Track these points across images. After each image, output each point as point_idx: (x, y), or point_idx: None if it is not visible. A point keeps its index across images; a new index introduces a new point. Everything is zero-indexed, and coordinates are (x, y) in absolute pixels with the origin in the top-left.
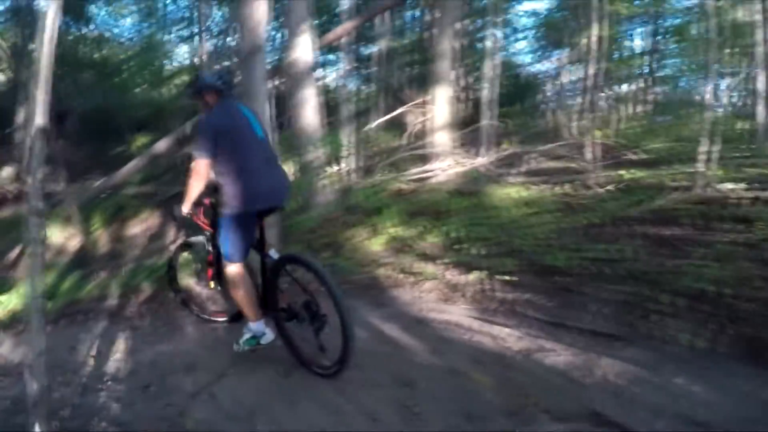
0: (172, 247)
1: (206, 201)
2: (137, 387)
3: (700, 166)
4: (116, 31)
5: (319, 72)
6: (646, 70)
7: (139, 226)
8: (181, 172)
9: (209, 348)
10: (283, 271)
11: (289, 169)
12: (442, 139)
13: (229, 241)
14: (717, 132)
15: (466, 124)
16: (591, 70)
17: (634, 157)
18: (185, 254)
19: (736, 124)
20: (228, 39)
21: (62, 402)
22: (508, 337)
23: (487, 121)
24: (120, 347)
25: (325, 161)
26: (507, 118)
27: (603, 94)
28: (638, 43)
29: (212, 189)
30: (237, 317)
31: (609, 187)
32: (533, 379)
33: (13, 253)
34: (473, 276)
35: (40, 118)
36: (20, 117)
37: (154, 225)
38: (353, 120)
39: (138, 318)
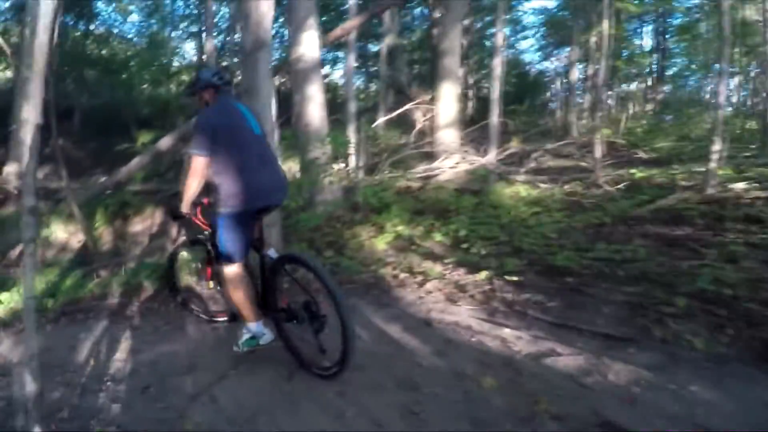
0: (171, 248)
1: (204, 200)
2: (137, 388)
3: (713, 165)
4: (122, 28)
5: (325, 69)
6: (653, 69)
7: (141, 224)
8: (184, 169)
9: (210, 349)
10: (282, 271)
11: (293, 166)
12: (448, 137)
13: (226, 241)
14: (727, 131)
15: (472, 122)
16: (597, 68)
17: (641, 155)
18: (184, 254)
19: (744, 123)
20: (234, 36)
21: (61, 403)
22: (515, 339)
23: (494, 118)
24: (120, 347)
25: (329, 158)
26: (513, 115)
27: (609, 93)
28: (645, 42)
29: (210, 188)
30: (237, 317)
31: (618, 186)
32: (542, 384)
33: (16, 251)
34: (480, 276)
35: (34, 114)
36: (23, 114)
37: (156, 222)
38: (359, 117)
39: (139, 317)
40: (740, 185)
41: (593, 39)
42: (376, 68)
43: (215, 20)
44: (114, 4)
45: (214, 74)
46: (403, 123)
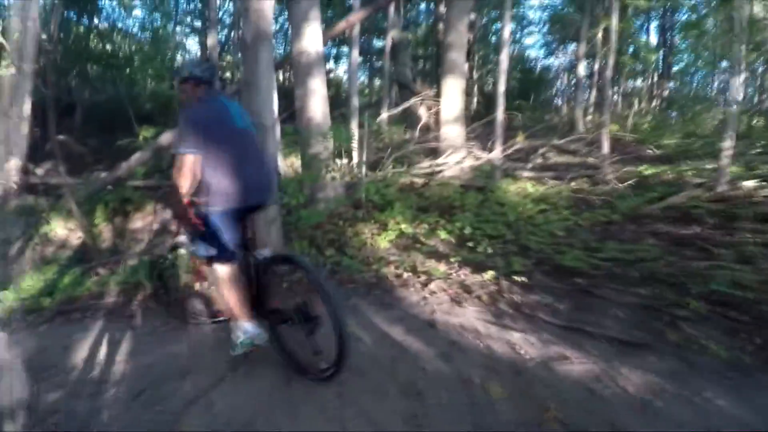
0: (163, 248)
1: (191, 200)
2: (131, 392)
3: (724, 162)
4: (125, 23)
5: (329, 65)
6: (659, 65)
7: (142, 221)
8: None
9: (208, 351)
10: (273, 271)
11: (295, 161)
12: (453, 132)
13: (212, 241)
14: (736, 128)
15: (477, 118)
16: (604, 64)
17: (649, 152)
18: (177, 254)
19: (751, 120)
20: (238, 31)
21: (53, 407)
22: (523, 343)
23: (500, 113)
24: (115, 348)
25: (332, 154)
26: (518, 111)
27: (615, 89)
28: (651, 38)
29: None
30: (230, 317)
31: (626, 183)
32: (551, 391)
33: (15, 247)
34: (486, 276)
35: (24, 105)
36: (26, 108)
37: (157, 219)
38: (362, 112)
39: (136, 317)
40: (751, 183)
41: (599, 34)
42: (380, 63)
43: (219, 15)
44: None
45: (199, 67)
46: (408, 118)
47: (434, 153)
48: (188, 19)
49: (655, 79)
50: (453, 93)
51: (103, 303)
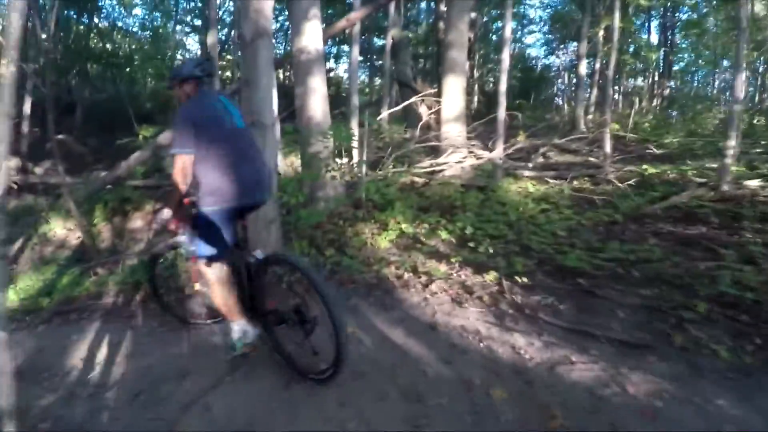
0: (160, 248)
1: (186, 200)
2: (127, 395)
3: (727, 161)
4: (125, 21)
5: (330, 63)
6: (659, 64)
7: (141, 220)
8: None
9: (205, 353)
10: (268, 272)
11: (295, 161)
12: (454, 131)
13: (206, 240)
14: (739, 127)
15: (477, 117)
16: (605, 63)
17: (650, 151)
18: (176, 254)
19: (752, 119)
20: (239, 29)
21: (46, 412)
22: (527, 346)
23: (501, 112)
24: (112, 350)
25: (332, 153)
26: (519, 110)
27: (616, 88)
28: (651, 37)
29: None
30: (222, 318)
31: (628, 182)
32: (555, 396)
33: (15, 247)
34: (487, 276)
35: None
36: (26, 108)
37: (157, 219)
38: (363, 111)
39: (134, 318)
40: (755, 182)
41: (600, 33)
42: (380, 62)
43: (219, 14)
44: None
45: (196, 65)
46: (408, 117)
47: (435, 152)
48: (188, 18)
49: (656, 78)
50: (454, 91)
51: (101, 303)
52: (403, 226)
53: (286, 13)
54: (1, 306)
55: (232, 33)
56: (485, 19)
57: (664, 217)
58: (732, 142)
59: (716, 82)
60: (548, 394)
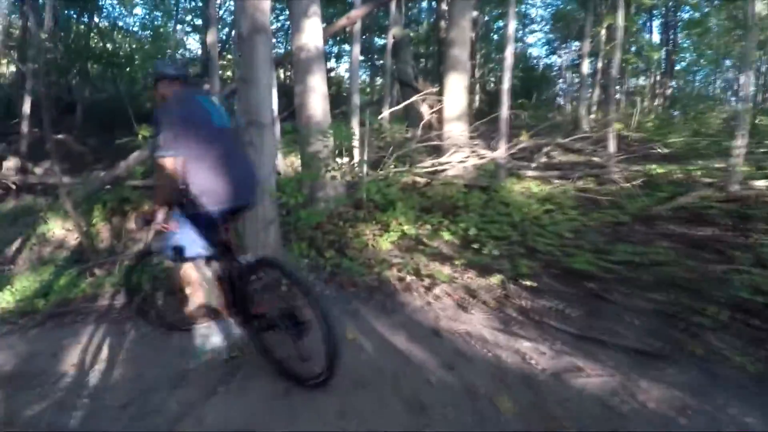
0: (132, 254)
1: (173, 202)
2: (118, 405)
3: (735, 161)
4: (126, 21)
5: (330, 63)
6: (661, 63)
7: None
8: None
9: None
10: (257, 276)
11: (295, 160)
12: (456, 130)
13: (183, 239)
14: (746, 126)
15: (479, 116)
16: (608, 62)
17: (655, 151)
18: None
19: (755, 118)
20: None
21: (32, 422)
22: (533, 352)
23: (505, 111)
24: (105, 356)
25: (332, 152)
26: (522, 109)
27: (618, 87)
28: (653, 36)
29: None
30: (197, 323)
31: (634, 182)
32: (566, 407)
33: (13, 247)
34: (492, 279)
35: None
36: (25, 108)
37: (156, 220)
38: (364, 110)
39: (129, 321)
40: (763, 183)
41: (603, 32)
42: (381, 62)
43: (219, 13)
44: None
45: (172, 65)
46: (410, 116)
47: (437, 152)
48: (189, 17)
49: (658, 77)
50: (456, 89)
51: (96, 306)
52: (405, 227)
53: (287, 12)
54: None
55: (233, 32)
56: (486, 18)
57: (671, 218)
58: (739, 142)
59: (718, 82)
60: (557, 404)
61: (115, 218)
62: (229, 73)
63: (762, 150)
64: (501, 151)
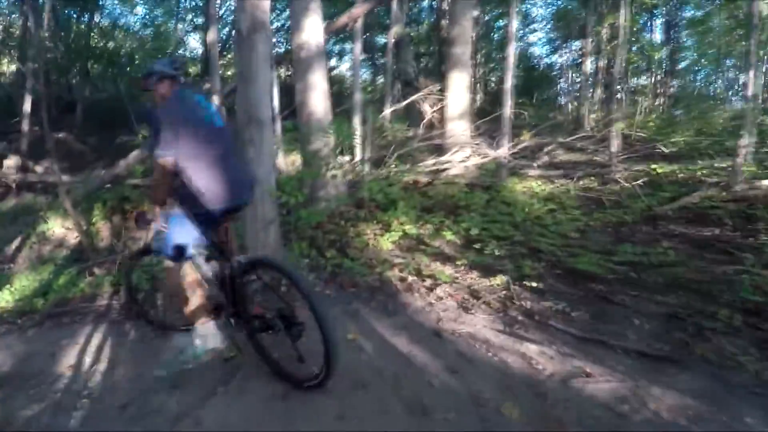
0: (131, 253)
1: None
2: (115, 406)
3: (740, 161)
4: (127, 20)
5: (332, 62)
6: (663, 63)
7: None
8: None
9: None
10: (252, 277)
11: (296, 159)
12: (458, 129)
13: (176, 238)
14: (751, 126)
15: (480, 115)
16: (611, 60)
17: (658, 150)
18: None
19: (756, 118)
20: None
21: (31, 422)
22: (538, 356)
23: (506, 109)
24: (103, 356)
25: (333, 151)
26: (524, 108)
27: (619, 87)
28: (655, 36)
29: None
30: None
31: (637, 182)
32: (571, 412)
33: (13, 246)
34: (495, 280)
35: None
36: (26, 106)
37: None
38: (365, 108)
39: (127, 322)
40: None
41: (605, 31)
42: (383, 61)
43: (220, 12)
44: None
45: (169, 64)
46: (411, 115)
47: (439, 150)
48: (190, 16)
49: (660, 76)
50: (458, 88)
51: (94, 306)
52: (407, 226)
53: (287, 12)
54: None
55: (233, 31)
56: (487, 17)
57: (675, 218)
58: (744, 141)
59: (719, 81)
60: (563, 409)
61: (115, 217)
62: (229, 72)
63: (765, 150)
64: (503, 150)
